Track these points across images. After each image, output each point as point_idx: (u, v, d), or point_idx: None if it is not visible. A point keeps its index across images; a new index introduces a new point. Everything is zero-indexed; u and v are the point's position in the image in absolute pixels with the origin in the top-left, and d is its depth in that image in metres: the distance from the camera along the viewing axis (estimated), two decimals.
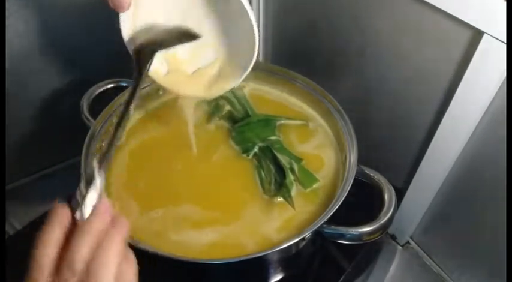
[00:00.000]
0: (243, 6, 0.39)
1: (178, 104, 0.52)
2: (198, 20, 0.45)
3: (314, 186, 0.50)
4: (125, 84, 0.58)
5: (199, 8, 0.44)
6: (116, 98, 0.55)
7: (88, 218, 0.30)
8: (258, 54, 0.44)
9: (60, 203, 0.31)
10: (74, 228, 0.30)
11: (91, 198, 0.31)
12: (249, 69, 0.44)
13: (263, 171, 0.51)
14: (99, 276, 0.28)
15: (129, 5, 0.38)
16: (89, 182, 0.32)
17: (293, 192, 0.49)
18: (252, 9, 0.40)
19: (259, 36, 0.41)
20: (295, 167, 0.51)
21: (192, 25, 0.45)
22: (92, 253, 0.29)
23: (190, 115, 0.52)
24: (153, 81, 0.47)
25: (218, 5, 0.44)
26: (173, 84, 0.48)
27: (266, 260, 0.47)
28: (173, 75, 0.48)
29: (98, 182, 0.32)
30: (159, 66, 0.47)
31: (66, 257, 0.28)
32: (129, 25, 0.42)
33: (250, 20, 0.40)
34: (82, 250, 0.28)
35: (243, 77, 0.45)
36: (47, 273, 0.28)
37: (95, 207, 0.31)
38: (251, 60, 0.43)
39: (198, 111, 0.57)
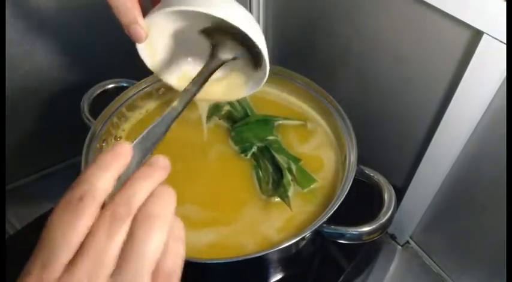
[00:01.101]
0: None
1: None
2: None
3: (312, 186, 0.50)
4: (125, 84, 0.58)
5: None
6: (116, 98, 0.55)
7: (148, 168, 0.27)
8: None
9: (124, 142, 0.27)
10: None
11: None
12: (263, 82, 0.45)
13: (261, 171, 0.51)
14: (156, 221, 0.24)
15: (147, 36, 0.39)
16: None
17: (291, 193, 0.49)
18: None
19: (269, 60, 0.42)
20: (293, 167, 0.51)
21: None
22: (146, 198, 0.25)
23: (204, 117, 0.53)
24: (167, 84, 0.48)
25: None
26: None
27: (266, 260, 0.47)
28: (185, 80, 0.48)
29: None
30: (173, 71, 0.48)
31: (124, 192, 0.24)
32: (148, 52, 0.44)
33: (264, 59, 0.41)
34: (140, 191, 0.25)
35: (257, 88, 0.46)
36: (99, 200, 0.24)
37: (156, 159, 0.28)
38: (263, 77, 0.44)
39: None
